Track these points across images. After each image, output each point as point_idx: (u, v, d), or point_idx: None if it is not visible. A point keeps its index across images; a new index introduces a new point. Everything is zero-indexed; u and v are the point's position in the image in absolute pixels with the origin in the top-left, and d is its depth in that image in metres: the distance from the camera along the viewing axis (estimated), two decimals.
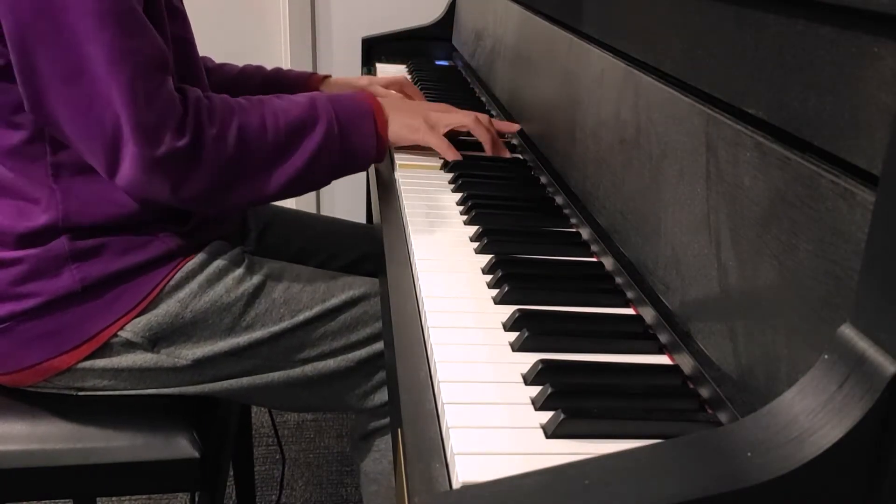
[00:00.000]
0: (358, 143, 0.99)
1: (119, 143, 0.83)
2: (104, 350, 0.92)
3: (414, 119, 1.07)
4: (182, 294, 0.94)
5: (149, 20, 0.87)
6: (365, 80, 1.37)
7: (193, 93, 0.89)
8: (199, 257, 0.96)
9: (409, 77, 1.75)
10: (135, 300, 0.92)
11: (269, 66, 1.33)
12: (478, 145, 1.23)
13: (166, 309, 0.93)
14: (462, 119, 1.12)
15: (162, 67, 0.86)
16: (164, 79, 0.86)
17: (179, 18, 1.02)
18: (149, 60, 0.84)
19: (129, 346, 0.93)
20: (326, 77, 1.34)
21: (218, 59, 1.31)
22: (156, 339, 0.93)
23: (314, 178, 0.97)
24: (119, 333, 0.92)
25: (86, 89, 0.82)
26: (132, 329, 0.92)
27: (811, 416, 0.43)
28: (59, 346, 0.91)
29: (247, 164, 0.91)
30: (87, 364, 0.93)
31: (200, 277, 0.95)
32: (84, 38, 0.80)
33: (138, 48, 0.83)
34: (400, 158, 1.13)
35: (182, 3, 1.08)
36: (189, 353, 0.94)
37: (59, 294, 0.90)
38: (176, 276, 0.94)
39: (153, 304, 0.93)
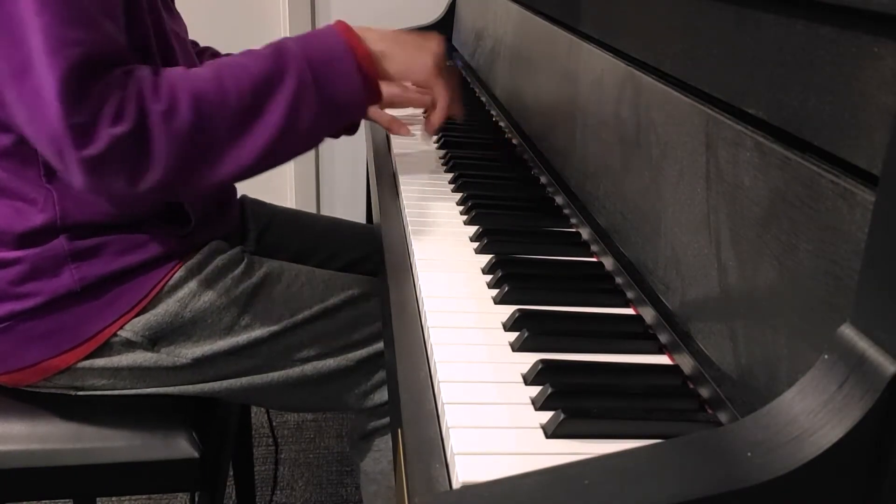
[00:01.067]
0: (339, 86, 0.88)
1: (61, 145, 0.77)
2: (104, 349, 0.92)
3: (420, 52, 0.97)
4: (181, 293, 0.94)
5: (125, 11, 0.84)
6: (396, 85, 1.32)
7: (140, 71, 0.81)
8: (198, 257, 0.96)
9: None
10: (134, 299, 0.92)
11: None
12: (476, 145, 1.23)
13: (166, 308, 0.93)
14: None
15: (106, 62, 0.79)
16: (106, 74, 0.78)
17: (168, 13, 1.02)
18: (90, 54, 0.77)
19: (129, 345, 0.93)
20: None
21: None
22: (155, 339, 0.93)
23: (298, 139, 0.87)
24: (119, 333, 0.92)
25: (32, 85, 0.76)
26: (132, 328, 0.92)
27: (811, 416, 0.43)
28: (59, 345, 0.91)
29: (210, 135, 0.83)
30: (87, 363, 0.93)
31: (200, 277, 0.95)
32: (28, 29, 0.76)
33: (79, 40, 0.76)
34: (400, 160, 1.13)
35: (173, 1, 1.08)
36: (189, 352, 0.94)
37: (58, 294, 0.90)
38: (175, 276, 0.94)
39: (153, 304, 0.93)
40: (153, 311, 0.93)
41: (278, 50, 0.87)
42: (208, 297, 0.94)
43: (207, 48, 1.27)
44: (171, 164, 0.81)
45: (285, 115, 0.85)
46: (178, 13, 1.07)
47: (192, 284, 0.94)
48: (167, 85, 0.81)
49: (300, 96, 0.85)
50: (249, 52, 0.88)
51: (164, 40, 0.97)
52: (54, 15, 0.75)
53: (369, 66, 0.90)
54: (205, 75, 0.84)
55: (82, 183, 0.79)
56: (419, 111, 1.41)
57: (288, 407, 1.09)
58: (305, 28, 2.30)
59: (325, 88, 0.86)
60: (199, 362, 0.95)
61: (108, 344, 0.92)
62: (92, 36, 0.77)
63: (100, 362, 0.93)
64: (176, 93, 0.81)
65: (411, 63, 0.96)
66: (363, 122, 1.34)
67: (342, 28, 0.91)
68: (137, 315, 0.92)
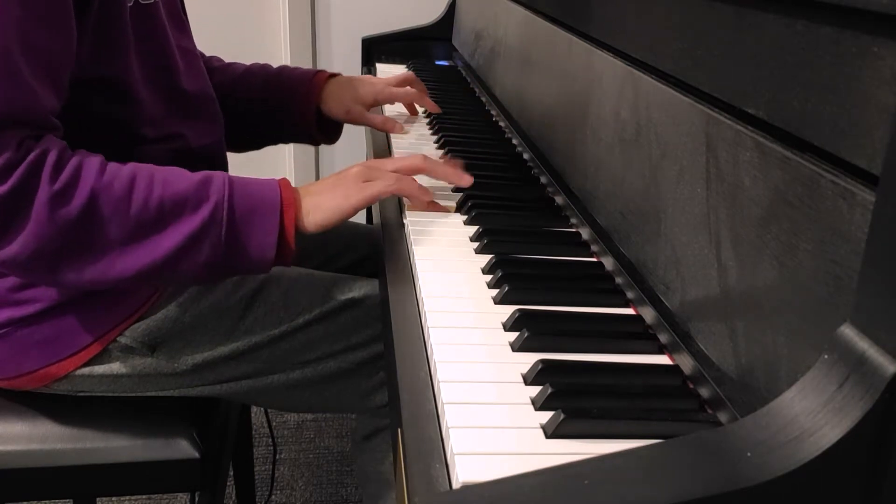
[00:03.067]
0: (252, 237, 0.83)
1: None
2: (103, 356, 0.92)
3: (343, 187, 0.89)
4: (181, 298, 0.93)
5: (100, 43, 0.83)
6: (380, 83, 1.30)
7: (50, 143, 0.78)
8: None
9: None
10: (134, 305, 0.91)
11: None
12: (477, 145, 1.23)
13: (165, 314, 0.93)
14: (381, 187, 0.90)
15: (12, 122, 0.75)
16: (7, 138, 0.75)
17: (178, 29, 1.02)
18: None
19: (128, 351, 0.93)
20: (334, 76, 1.27)
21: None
22: (155, 344, 0.93)
23: (183, 270, 0.82)
24: (118, 339, 0.92)
25: None
26: (131, 334, 0.92)
27: (811, 416, 0.43)
28: (58, 352, 0.91)
29: (93, 235, 0.78)
30: (86, 371, 0.92)
31: None
32: None
33: None
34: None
35: (181, 8, 1.07)
36: (188, 357, 0.94)
37: (57, 301, 0.89)
38: None
39: (152, 310, 0.92)
40: (153, 317, 0.92)
41: (207, 179, 0.83)
42: (208, 301, 0.94)
43: (212, 58, 1.27)
44: (36, 245, 0.77)
45: (180, 245, 0.80)
46: (188, 28, 1.07)
47: (192, 289, 0.94)
48: (71, 169, 0.78)
49: (205, 232, 0.81)
50: (183, 171, 0.84)
51: (166, 58, 0.97)
52: None
53: (290, 232, 0.85)
54: (119, 174, 0.80)
55: None
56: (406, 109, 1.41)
57: (289, 407, 1.08)
58: (305, 28, 2.30)
59: (235, 235, 0.82)
60: (198, 367, 0.95)
61: (107, 350, 0.92)
62: (5, 94, 0.74)
63: (99, 369, 0.93)
64: (77, 180, 0.77)
65: (340, 202, 0.88)
66: None
67: (284, 185, 0.87)
68: (137, 321, 0.92)
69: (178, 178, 0.82)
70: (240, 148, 1.28)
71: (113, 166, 0.81)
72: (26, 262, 0.78)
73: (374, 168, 0.92)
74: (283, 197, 0.85)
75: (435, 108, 1.37)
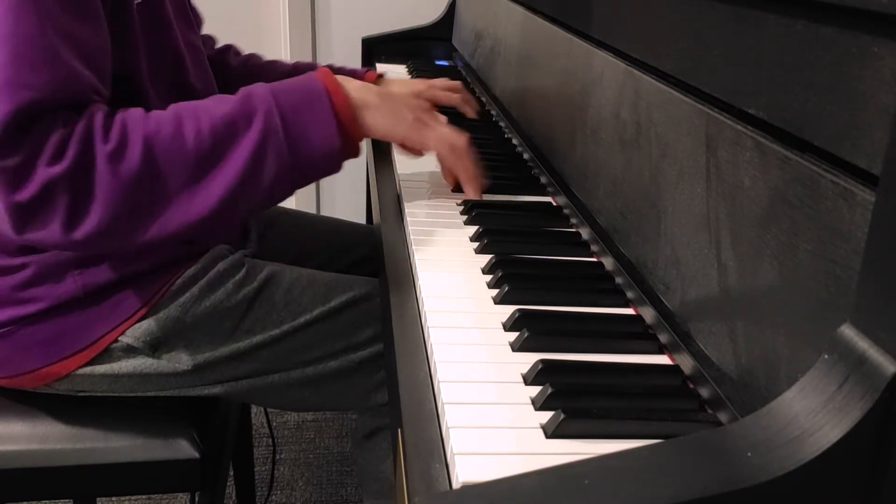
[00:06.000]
0: (312, 132, 0.81)
1: None
2: (104, 356, 0.92)
3: (401, 115, 0.89)
4: (183, 299, 0.93)
5: (114, 36, 0.83)
6: (425, 82, 1.31)
7: (94, 110, 0.77)
8: (200, 262, 0.95)
9: (408, 77, 1.75)
10: (136, 306, 0.91)
11: None
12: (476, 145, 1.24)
13: (167, 314, 0.93)
14: (434, 144, 0.94)
15: (59, 104, 0.74)
16: (54, 113, 0.74)
17: (185, 25, 1.02)
18: (41, 98, 0.73)
19: (130, 351, 0.93)
20: (381, 76, 1.25)
21: None
22: (156, 345, 0.93)
23: (258, 192, 0.80)
24: (120, 339, 0.92)
25: None
26: (133, 334, 0.92)
27: (811, 416, 0.43)
28: (60, 351, 0.91)
29: (160, 181, 0.77)
30: (87, 370, 0.92)
31: (201, 282, 0.94)
32: None
33: (33, 83, 0.72)
34: (400, 161, 1.13)
35: (187, 3, 1.07)
36: (190, 358, 0.94)
37: (60, 300, 0.89)
38: (177, 282, 0.93)
39: (154, 310, 0.92)
40: (155, 317, 0.92)
41: (247, 93, 0.81)
42: (210, 302, 0.94)
43: (230, 46, 1.27)
44: (112, 210, 0.76)
45: (247, 164, 0.79)
46: (193, 23, 1.07)
47: (194, 290, 0.94)
48: (119, 125, 0.77)
49: (266, 144, 0.79)
50: (220, 96, 0.83)
51: (175, 55, 0.97)
52: (12, 52, 0.72)
53: (347, 116, 0.83)
54: (163, 116, 0.79)
55: (15, 229, 0.75)
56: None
57: (289, 406, 1.08)
58: (305, 28, 2.30)
59: (295, 138, 0.80)
60: (200, 367, 0.95)
61: (108, 350, 0.92)
62: (48, 78, 0.73)
63: (100, 369, 0.93)
64: (127, 133, 0.77)
65: (398, 118, 0.89)
66: None
67: (322, 74, 0.85)
68: (139, 321, 0.92)
69: (220, 103, 0.81)
70: None
71: (155, 112, 0.80)
72: (107, 231, 0.77)
73: (429, 113, 0.93)
74: (326, 85, 0.84)
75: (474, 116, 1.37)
